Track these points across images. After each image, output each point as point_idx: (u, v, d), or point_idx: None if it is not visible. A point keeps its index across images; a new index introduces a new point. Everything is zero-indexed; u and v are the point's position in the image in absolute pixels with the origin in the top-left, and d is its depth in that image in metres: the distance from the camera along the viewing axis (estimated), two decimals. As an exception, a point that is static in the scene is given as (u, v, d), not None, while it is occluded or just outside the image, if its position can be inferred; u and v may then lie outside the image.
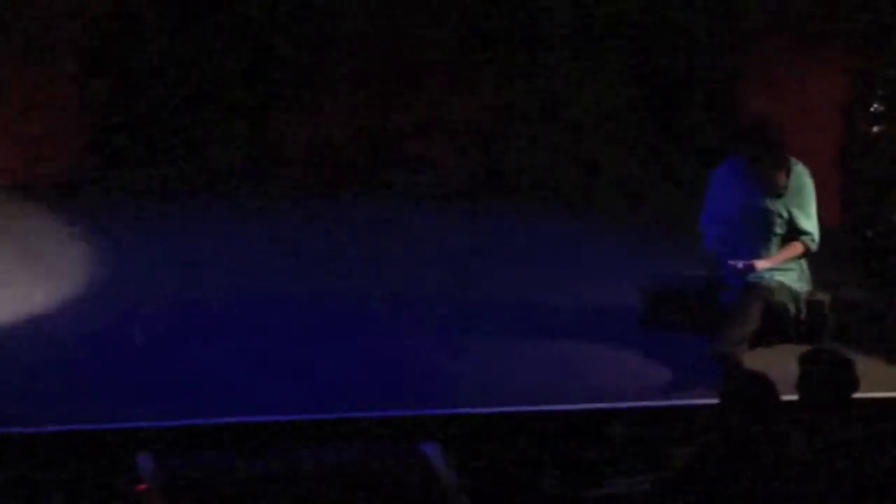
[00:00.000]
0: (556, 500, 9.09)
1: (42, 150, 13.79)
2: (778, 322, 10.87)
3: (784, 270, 10.93)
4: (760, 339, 10.76)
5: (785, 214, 10.93)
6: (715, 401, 7.97)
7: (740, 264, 10.88)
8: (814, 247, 11.01)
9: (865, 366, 9.00)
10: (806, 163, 11.11)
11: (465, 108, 14.22)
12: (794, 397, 8.15)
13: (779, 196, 10.94)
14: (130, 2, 14.03)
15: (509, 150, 14.23)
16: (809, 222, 10.95)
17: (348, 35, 14.10)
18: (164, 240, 12.83)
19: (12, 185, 13.69)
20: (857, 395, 8.23)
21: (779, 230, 10.96)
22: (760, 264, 10.88)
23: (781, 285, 10.89)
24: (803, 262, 11.04)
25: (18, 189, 13.63)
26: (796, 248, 10.96)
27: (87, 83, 13.93)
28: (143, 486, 8.50)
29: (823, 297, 11.11)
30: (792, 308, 10.92)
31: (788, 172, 10.98)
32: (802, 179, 11.01)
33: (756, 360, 10.20)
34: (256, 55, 14.23)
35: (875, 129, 12.29)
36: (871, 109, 12.31)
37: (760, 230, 10.95)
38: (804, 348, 8.83)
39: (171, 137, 14.14)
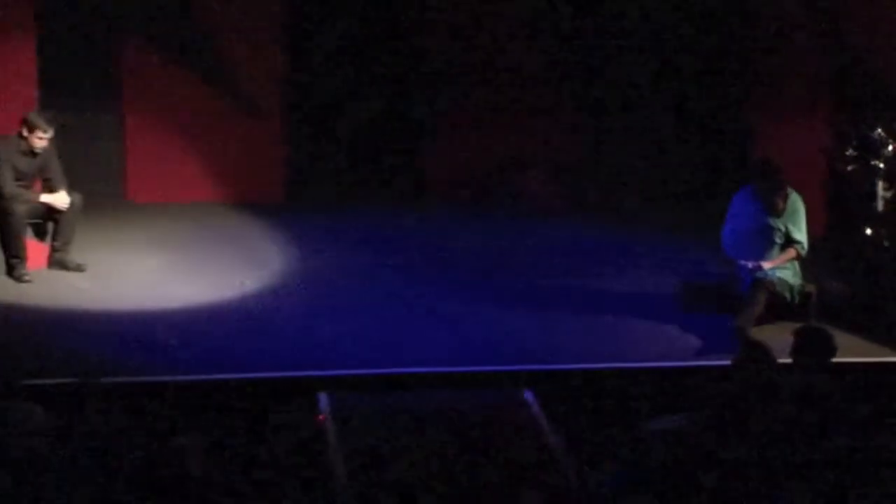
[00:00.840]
0: (617, 430, 9.01)
1: (257, 178, 13.79)
2: (778, 306, 10.74)
3: (782, 269, 10.81)
4: (765, 318, 10.62)
5: (783, 229, 10.82)
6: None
7: (751, 264, 10.79)
8: (804, 252, 10.89)
9: (841, 338, 8.84)
10: (799, 191, 10.99)
11: (550, 148, 14.13)
12: (789, 360, 8.03)
13: (779, 216, 10.84)
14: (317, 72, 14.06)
15: (584, 178, 14.12)
16: (801, 234, 10.83)
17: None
18: (342, 240, 12.80)
19: (235, 204, 13.68)
20: (834, 359, 8.11)
21: (778, 240, 10.84)
22: (765, 265, 10.77)
23: (781, 280, 10.76)
24: (796, 264, 10.90)
25: (240, 206, 13.63)
26: (791, 253, 10.83)
27: (290, 130, 13.93)
28: (321, 417, 8.49)
29: (811, 288, 10.97)
30: (788, 296, 10.80)
31: (786, 198, 10.87)
32: (797, 204, 10.90)
33: (762, 333, 10.08)
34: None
35: (849, 168, 12.18)
36: (847, 154, 12.20)
37: (765, 240, 10.84)
38: (796, 325, 8.71)
39: (346, 170, 14.19)
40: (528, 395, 9.02)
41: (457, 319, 10.87)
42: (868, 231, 11.83)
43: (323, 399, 8.88)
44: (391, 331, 10.60)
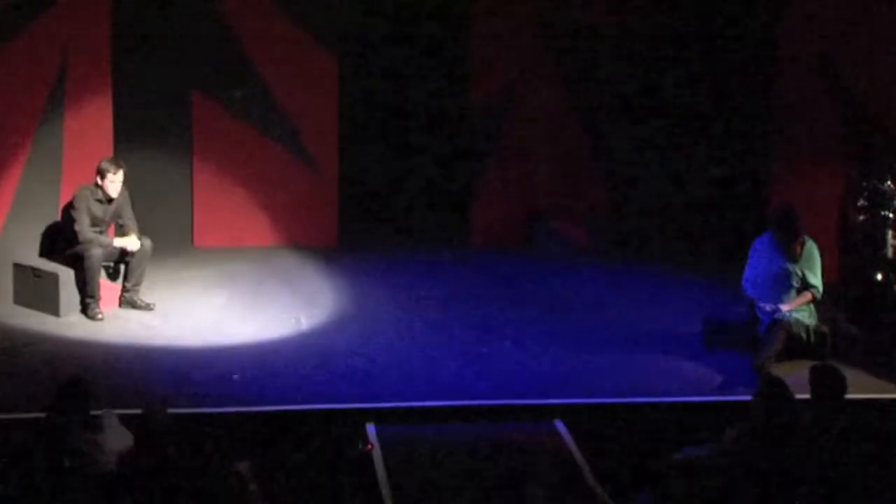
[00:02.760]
0: (645, 461, 8.95)
1: (313, 224, 13.80)
2: (794, 345, 10.65)
3: (799, 311, 10.72)
4: (783, 356, 10.54)
5: (800, 273, 10.73)
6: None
7: (769, 307, 10.71)
8: (819, 296, 10.79)
9: (853, 375, 8.77)
10: (815, 238, 10.92)
11: (585, 198, 14.14)
12: (806, 395, 7.96)
13: (796, 261, 10.76)
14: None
15: (619, 222, 14.11)
16: (816, 279, 10.74)
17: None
18: (391, 282, 12.79)
19: (294, 247, 13.69)
20: (847, 395, 8.04)
21: (795, 284, 10.76)
22: (783, 307, 10.69)
23: (797, 321, 10.68)
24: (812, 306, 10.81)
25: (295, 249, 13.65)
26: (807, 296, 10.74)
27: (344, 180, 13.96)
28: (370, 446, 8.47)
29: (825, 328, 10.86)
30: (804, 336, 10.70)
31: (803, 245, 10.80)
32: (812, 250, 10.82)
33: (780, 370, 9.98)
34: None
35: (861, 217, 12.14)
36: (858, 205, 12.17)
37: (783, 284, 10.75)
38: (812, 363, 8.63)
39: (396, 216, 14.25)
40: (560, 426, 8.99)
41: (495, 356, 10.84)
42: (878, 276, 11.77)
43: (371, 430, 8.89)
44: (435, 366, 10.57)
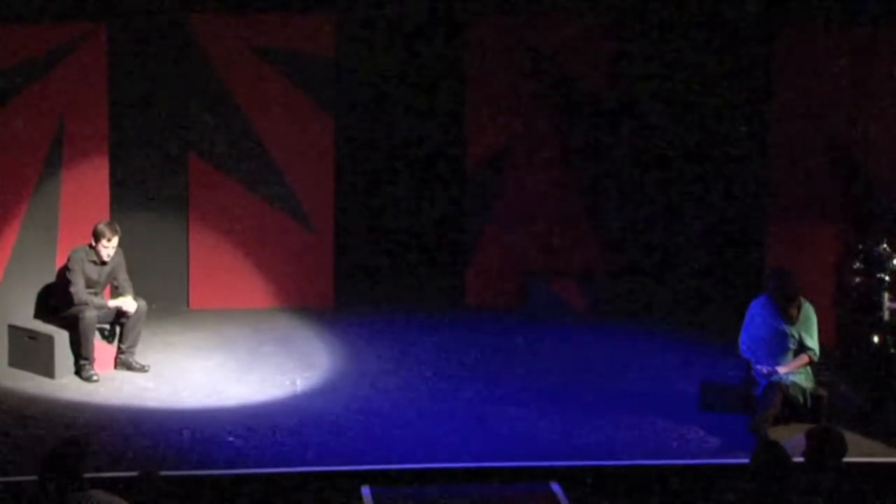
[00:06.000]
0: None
1: (309, 285, 13.83)
2: (792, 408, 10.64)
3: (796, 373, 10.71)
4: (780, 419, 10.53)
5: (796, 336, 10.73)
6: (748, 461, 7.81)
7: (766, 369, 10.70)
8: (816, 358, 10.78)
9: (851, 438, 8.75)
10: (812, 301, 10.92)
11: (579, 260, 14.19)
12: (802, 459, 7.95)
13: (792, 323, 10.76)
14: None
15: (615, 283, 14.13)
16: (813, 341, 10.74)
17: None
18: (386, 343, 12.79)
19: (290, 308, 13.71)
20: (845, 458, 8.03)
21: (792, 346, 10.75)
22: (780, 369, 10.68)
23: (794, 384, 10.67)
24: (809, 368, 10.79)
25: (291, 310, 13.67)
26: (804, 359, 10.73)
27: (340, 242, 14.01)
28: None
29: (823, 392, 10.85)
30: (801, 399, 10.68)
31: (800, 307, 10.79)
32: (809, 312, 10.82)
33: (777, 433, 9.98)
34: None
35: (857, 279, 12.14)
36: (854, 267, 12.18)
37: (780, 346, 10.75)
38: (809, 426, 8.63)
39: (392, 278, 14.29)
40: (556, 488, 8.97)
41: (489, 417, 10.83)
42: (875, 339, 11.76)
43: (367, 492, 8.86)
44: (431, 428, 10.56)
